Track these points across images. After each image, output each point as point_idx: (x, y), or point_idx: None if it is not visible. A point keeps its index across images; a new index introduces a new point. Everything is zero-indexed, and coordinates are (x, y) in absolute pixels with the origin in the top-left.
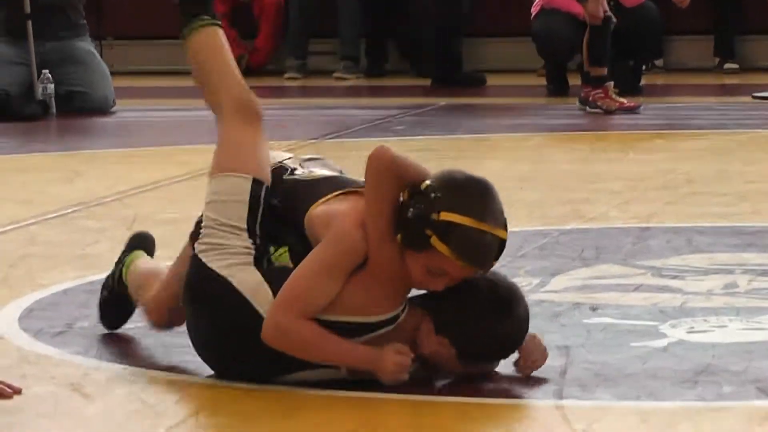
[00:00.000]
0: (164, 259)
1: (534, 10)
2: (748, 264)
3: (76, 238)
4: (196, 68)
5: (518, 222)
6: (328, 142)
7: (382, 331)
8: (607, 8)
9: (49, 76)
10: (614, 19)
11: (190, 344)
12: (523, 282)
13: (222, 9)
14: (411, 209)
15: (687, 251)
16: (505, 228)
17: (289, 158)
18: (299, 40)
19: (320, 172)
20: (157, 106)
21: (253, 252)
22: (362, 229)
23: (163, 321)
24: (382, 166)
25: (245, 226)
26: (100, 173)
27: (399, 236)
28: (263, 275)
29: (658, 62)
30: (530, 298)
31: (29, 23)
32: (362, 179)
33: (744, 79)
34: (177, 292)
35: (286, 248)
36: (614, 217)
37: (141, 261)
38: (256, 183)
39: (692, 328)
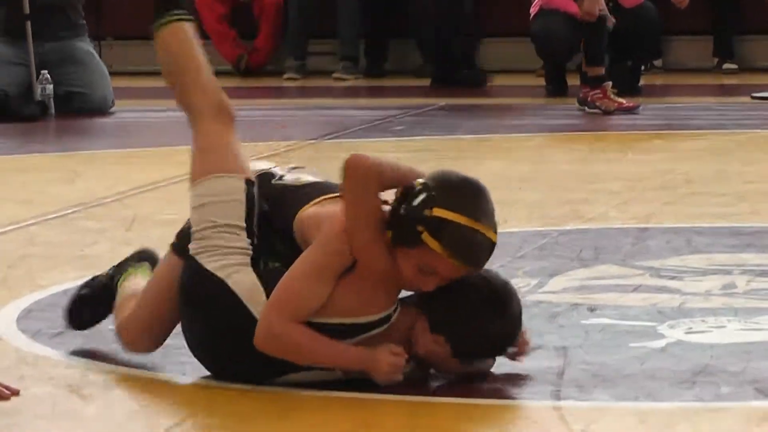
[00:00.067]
0: None
1: (533, 10)
2: (747, 264)
3: (76, 238)
4: (167, 66)
5: (517, 222)
6: (327, 143)
7: (375, 331)
8: (603, 7)
9: (48, 76)
10: (613, 20)
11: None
12: (522, 283)
13: (222, 9)
14: (403, 206)
15: (686, 252)
16: (496, 231)
17: (274, 167)
18: (298, 40)
19: (308, 178)
20: (156, 106)
21: (250, 252)
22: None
23: (135, 341)
24: (360, 172)
25: (244, 225)
26: (100, 174)
27: (389, 234)
28: (259, 276)
29: (657, 62)
30: (528, 298)
31: (28, 23)
32: None
33: (743, 80)
34: (153, 311)
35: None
36: (613, 217)
37: (140, 278)
38: (249, 183)
39: (690, 328)
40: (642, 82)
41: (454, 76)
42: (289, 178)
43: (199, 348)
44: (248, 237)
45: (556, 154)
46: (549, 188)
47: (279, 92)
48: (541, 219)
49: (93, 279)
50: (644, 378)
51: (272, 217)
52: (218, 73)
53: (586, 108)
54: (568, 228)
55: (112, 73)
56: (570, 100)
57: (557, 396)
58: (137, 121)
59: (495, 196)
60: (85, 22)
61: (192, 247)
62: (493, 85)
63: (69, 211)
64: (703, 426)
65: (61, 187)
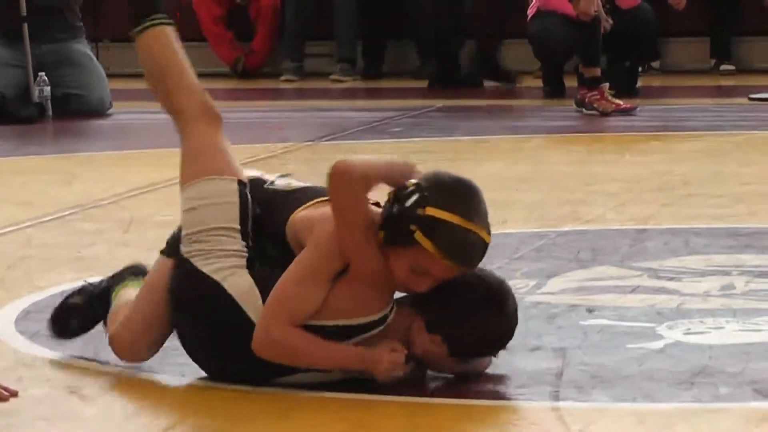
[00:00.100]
0: None
1: (530, 12)
2: (745, 265)
3: (73, 240)
4: (149, 69)
5: (515, 224)
6: (325, 144)
7: (373, 332)
8: (599, 8)
9: (46, 78)
10: (611, 21)
11: None
12: (520, 284)
13: (218, 11)
14: (396, 206)
15: (684, 253)
16: (489, 231)
17: (263, 174)
18: (296, 42)
19: (298, 183)
20: (153, 108)
21: (246, 254)
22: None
23: (128, 350)
24: (346, 178)
25: (239, 227)
26: (97, 175)
27: (382, 234)
28: (254, 278)
29: (655, 64)
30: (526, 300)
31: (25, 25)
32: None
33: (740, 81)
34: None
35: None
36: (611, 218)
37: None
38: (241, 184)
39: (689, 329)
40: (639, 83)
41: (454, 76)
42: (280, 183)
43: (195, 350)
44: (243, 239)
45: (553, 156)
46: (547, 189)
47: (276, 94)
48: (539, 220)
49: (81, 289)
50: (643, 379)
51: (264, 221)
52: (215, 75)
53: (583, 109)
54: (566, 229)
55: (110, 75)
56: (568, 102)
57: (556, 397)
58: (134, 123)
59: (493, 197)
60: (82, 24)
61: (185, 249)
62: (490, 87)
63: (66, 212)
64: (701, 427)
65: (58, 188)
